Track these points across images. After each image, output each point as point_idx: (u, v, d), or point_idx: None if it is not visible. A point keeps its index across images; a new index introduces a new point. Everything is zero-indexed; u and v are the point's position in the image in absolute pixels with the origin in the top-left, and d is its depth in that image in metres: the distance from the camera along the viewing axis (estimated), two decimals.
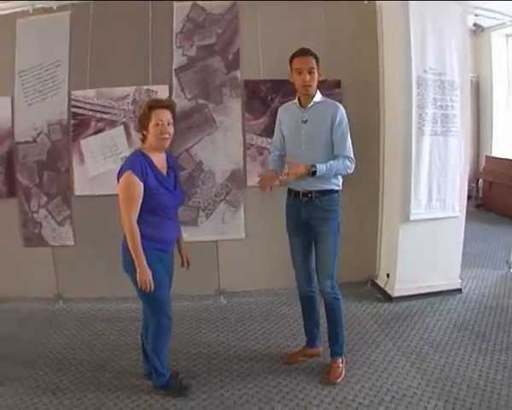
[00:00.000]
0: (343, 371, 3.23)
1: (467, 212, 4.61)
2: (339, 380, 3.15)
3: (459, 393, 2.97)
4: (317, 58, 3.08)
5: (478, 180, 8.67)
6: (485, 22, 7.81)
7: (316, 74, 3.08)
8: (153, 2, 4.24)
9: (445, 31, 4.16)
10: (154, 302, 2.89)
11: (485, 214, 7.84)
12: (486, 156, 8.41)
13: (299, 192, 3.15)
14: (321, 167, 2.98)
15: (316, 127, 3.08)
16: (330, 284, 3.16)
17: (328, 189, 3.11)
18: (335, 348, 3.28)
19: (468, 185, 8.42)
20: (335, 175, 3.09)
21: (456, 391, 2.99)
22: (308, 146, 3.09)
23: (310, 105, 3.11)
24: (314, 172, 2.97)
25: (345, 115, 3.10)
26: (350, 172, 3.11)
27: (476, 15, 7.20)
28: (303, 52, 3.07)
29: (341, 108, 3.11)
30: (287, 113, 3.26)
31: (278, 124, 3.30)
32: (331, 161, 3.03)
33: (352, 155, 3.10)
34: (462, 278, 4.72)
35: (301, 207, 3.16)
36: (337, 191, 3.17)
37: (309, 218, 3.15)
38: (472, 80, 8.62)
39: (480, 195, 8.64)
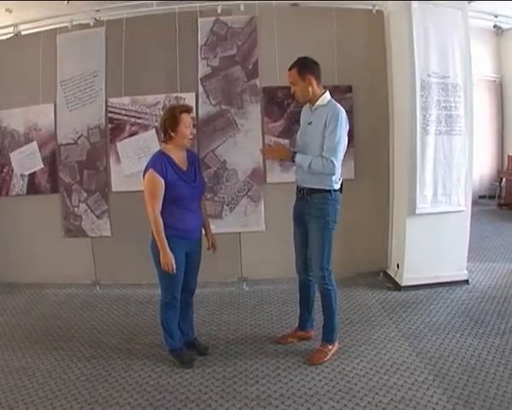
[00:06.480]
0: (328, 356, 3.38)
1: (489, 210, 4.65)
2: (320, 362, 3.33)
3: (449, 369, 3.20)
4: (301, 67, 3.19)
5: (501, 179, 8.56)
6: (504, 24, 7.88)
7: (300, 84, 3.20)
8: (179, 18, 4.59)
9: (447, 36, 4.35)
10: (166, 281, 3.22)
11: (507, 213, 7.73)
12: (509, 156, 8.44)
13: (298, 187, 3.43)
14: (298, 156, 3.22)
15: (315, 130, 3.20)
16: (321, 275, 3.32)
17: (318, 188, 3.24)
18: (324, 333, 3.45)
19: (492, 184, 8.62)
20: (313, 172, 3.17)
21: (446, 368, 3.22)
22: (308, 147, 3.27)
23: (314, 108, 3.26)
24: (293, 159, 3.24)
25: (339, 117, 3.10)
26: (328, 172, 3.14)
27: (496, 17, 7.37)
28: (289, 68, 3.25)
29: (337, 110, 3.13)
30: (303, 113, 3.45)
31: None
32: (311, 156, 3.16)
33: (333, 157, 3.09)
34: (472, 271, 4.90)
35: (298, 201, 3.45)
36: (329, 191, 3.23)
37: (302, 213, 3.38)
38: (495, 81, 8.76)
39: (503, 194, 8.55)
